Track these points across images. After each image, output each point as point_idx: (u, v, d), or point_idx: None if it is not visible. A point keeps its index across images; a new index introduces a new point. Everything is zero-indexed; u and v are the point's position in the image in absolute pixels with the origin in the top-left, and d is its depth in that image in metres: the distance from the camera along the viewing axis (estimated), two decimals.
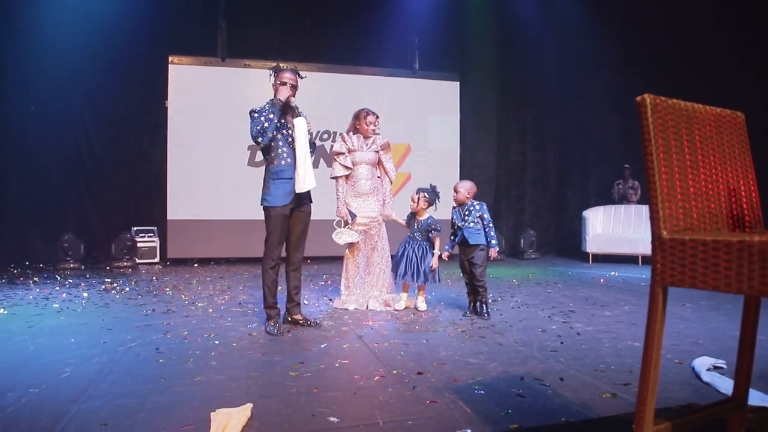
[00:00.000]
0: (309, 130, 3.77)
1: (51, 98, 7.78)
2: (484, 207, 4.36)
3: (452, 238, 4.46)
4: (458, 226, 4.34)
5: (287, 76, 3.74)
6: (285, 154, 3.73)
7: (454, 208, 4.43)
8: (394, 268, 4.57)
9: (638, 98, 1.19)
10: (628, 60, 9.69)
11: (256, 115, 3.68)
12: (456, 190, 4.38)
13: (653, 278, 1.18)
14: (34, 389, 2.44)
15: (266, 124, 3.62)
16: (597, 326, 3.88)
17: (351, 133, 4.63)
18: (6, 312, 4.31)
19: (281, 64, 3.86)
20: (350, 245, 4.59)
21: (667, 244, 1.14)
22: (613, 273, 7.07)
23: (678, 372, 2.77)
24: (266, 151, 3.76)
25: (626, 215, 8.62)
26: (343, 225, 4.51)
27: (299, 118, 3.72)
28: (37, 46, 7.59)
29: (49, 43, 7.60)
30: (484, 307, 4.23)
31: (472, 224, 4.27)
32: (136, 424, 2.05)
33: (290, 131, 3.74)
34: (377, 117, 4.64)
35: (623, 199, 9.34)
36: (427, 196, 4.55)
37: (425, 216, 4.55)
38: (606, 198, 9.63)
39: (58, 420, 2.08)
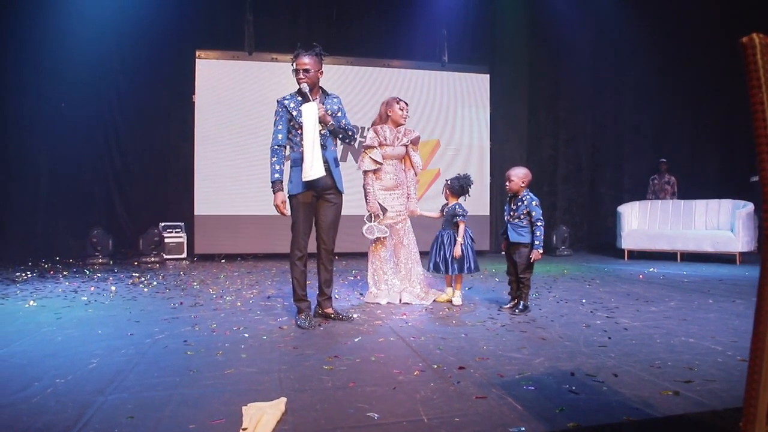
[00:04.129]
0: (325, 114, 3.56)
1: (81, 95, 7.83)
2: (534, 203, 3.97)
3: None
4: (505, 219, 4.12)
5: (297, 62, 3.57)
6: (297, 145, 3.63)
7: (510, 196, 4.13)
8: (428, 260, 4.42)
9: (744, 39, 1.00)
10: (664, 52, 9.37)
11: (277, 118, 3.63)
12: (509, 179, 4.04)
13: (765, 247, 1.00)
14: (61, 379, 2.35)
15: (280, 136, 3.62)
16: (644, 321, 3.65)
17: (383, 125, 4.42)
18: (35, 304, 4.27)
19: (299, 50, 3.62)
20: (374, 240, 4.42)
21: None
22: (651, 269, 6.78)
23: (743, 370, 2.52)
24: (289, 140, 3.67)
25: (663, 211, 8.29)
26: (373, 219, 4.31)
27: (308, 104, 3.51)
28: (67, 44, 7.63)
29: (79, 41, 7.63)
30: (522, 303, 4.01)
31: (517, 219, 4.02)
32: (164, 418, 1.93)
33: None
34: (407, 104, 4.50)
35: (659, 195, 9.01)
36: (448, 182, 4.44)
37: (453, 203, 4.39)
38: (641, 194, 9.32)
39: (84, 411, 1.97)
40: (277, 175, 3.58)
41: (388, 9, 8.66)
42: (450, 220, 4.35)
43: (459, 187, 4.39)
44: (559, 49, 9.42)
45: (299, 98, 3.61)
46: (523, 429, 1.83)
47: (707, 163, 9.62)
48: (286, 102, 3.63)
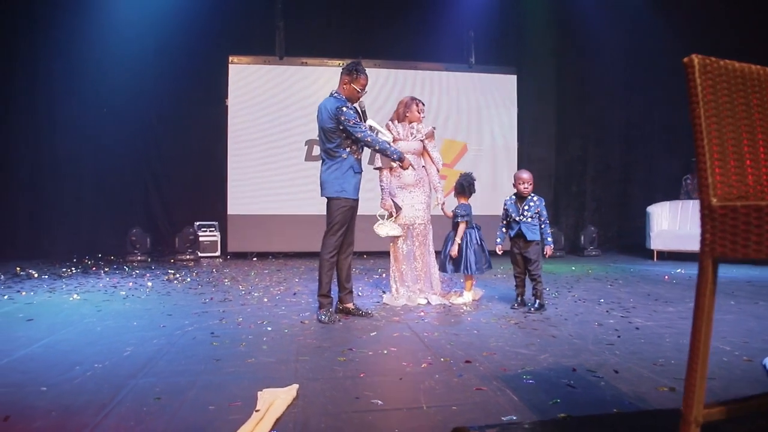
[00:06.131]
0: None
1: (122, 101, 8.22)
2: (543, 203, 4.23)
3: (503, 230, 4.35)
4: (514, 219, 4.21)
5: (365, 81, 3.87)
6: (361, 150, 3.93)
7: (510, 199, 4.27)
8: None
9: (685, 59, 1.12)
10: (698, 48, 9.15)
11: (358, 122, 3.80)
12: (527, 182, 4.17)
13: (702, 250, 1.11)
14: (99, 364, 2.59)
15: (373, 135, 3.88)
16: (658, 321, 3.70)
17: (396, 121, 4.52)
18: (79, 297, 4.59)
19: (361, 64, 3.91)
20: (394, 239, 4.47)
21: (717, 212, 1.07)
22: (679, 270, 6.71)
23: (746, 369, 2.60)
24: (352, 143, 3.84)
25: (694, 211, 8.16)
26: (387, 217, 4.34)
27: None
28: (110, 55, 8.04)
29: (120, 51, 8.03)
30: (537, 302, 4.13)
31: (529, 219, 4.15)
32: (187, 400, 2.13)
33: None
34: (424, 105, 4.60)
35: (692, 195, 8.87)
36: (455, 184, 4.61)
37: (459, 203, 4.53)
38: (673, 194, 9.17)
39: (117, 392, 2.19)
40: (397, 149, 4.07)
41: (414, 12, 8.78)
42: (453, 220, 4.49)
43: (459, 185, 4.53)
44: (588, 48, 9.35)
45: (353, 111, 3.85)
46: (514, 418, 1.95)
47: None
48: (353, 110, 3.83)
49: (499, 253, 4.38)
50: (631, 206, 9.78)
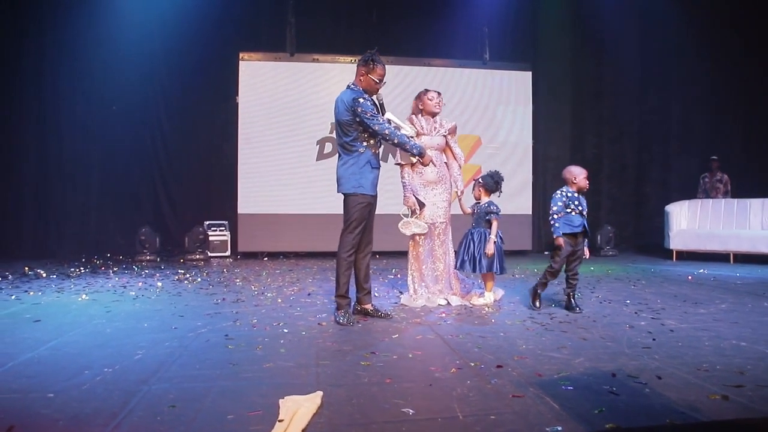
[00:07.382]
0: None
1: (130, 99, 8.12)
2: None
3: (558, 223, 3.93)
4: (582, 213, 3.93)
5: (382, 72, 3.68)
6: (379, 144, 3.76)
7: (572, 193, 3.94)
8: (455, 258, 4.35)
9: None
10: (715, 44, 8.98)
11: (374, 111, 3.62)
12: (587, 177, 3.99)
13: None
14: (108, 369, 2.45)
15: (391, 128, 3.69)
16: (692, 324, 3.52)
17: (419, 115, 4.31)
18: (87, 298, 4.46)
19: (377, 55, 3.72)
20: (415, 238, 4.29)
21: None
22: (702, 270, 6.51)
23: None
24: (370, 137, 3.65)
25: (714, 210, 7.96)
26: (410, 215, 4.17)
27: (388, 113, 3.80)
28: (117, 52, 7.93)
29: (127, 48, 7.92)
30: (573, 301, 3.99)
31: (585, 214, 3.99)
32: (203, 408, 1.98)
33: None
34: (440, 94, 4.34)
35: (710, 193, 8.65)
36: (482, 181, 4.35)
37: (486, 200, 4.32)
38: (690, 192, 8.95)
39: (129, 399, 2.05)
40: (418, 143, 3.90)
41: (428, 8, 8.62)
42: (483, 217, 4.26)
43: (494, 183, 4.31)
44: (604, 45, 9.17)
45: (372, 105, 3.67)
46: (559, 429, 1.80)
47: (764, 159, 9.17)
48: (370, 102, 3.66)
49: (565, 246, 3.95)
50: (647, 205, 9.59)
